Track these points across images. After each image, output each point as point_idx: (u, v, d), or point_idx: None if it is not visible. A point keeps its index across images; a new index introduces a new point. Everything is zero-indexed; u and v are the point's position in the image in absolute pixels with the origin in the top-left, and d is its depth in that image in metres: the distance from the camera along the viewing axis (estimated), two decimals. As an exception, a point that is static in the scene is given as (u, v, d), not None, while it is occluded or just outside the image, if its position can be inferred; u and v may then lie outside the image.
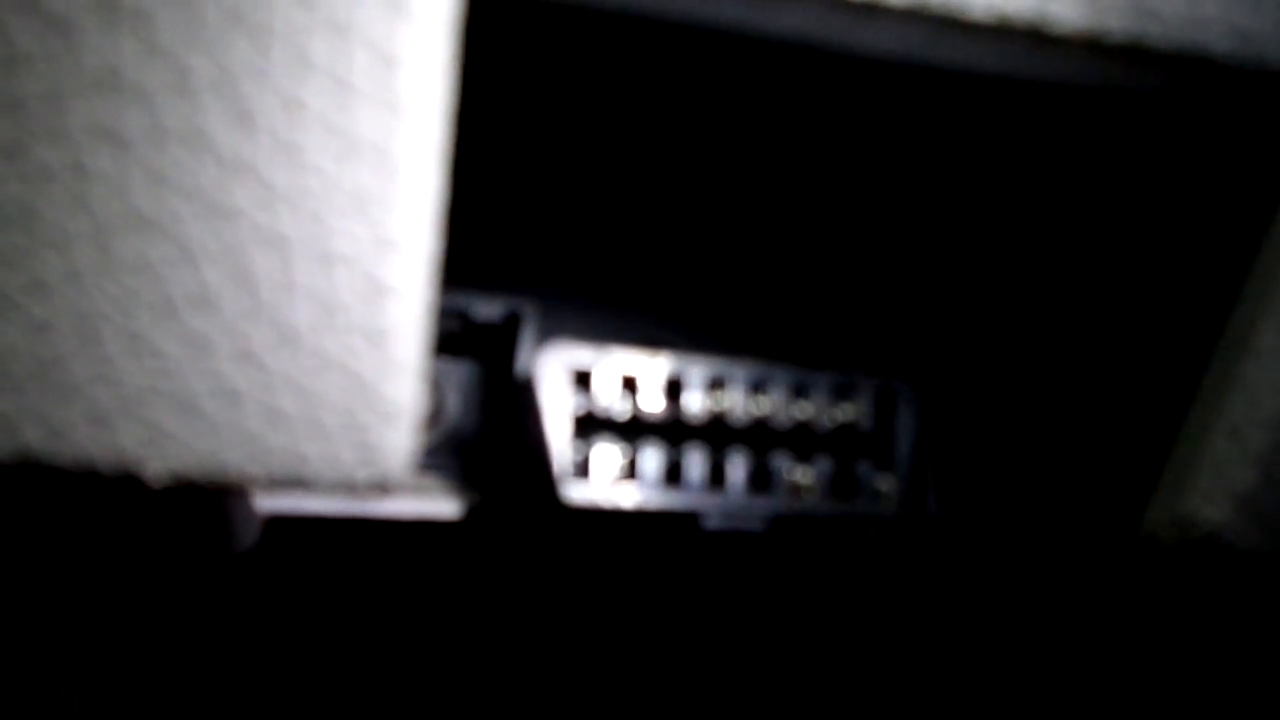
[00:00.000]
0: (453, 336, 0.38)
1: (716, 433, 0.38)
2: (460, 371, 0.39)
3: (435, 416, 0.38)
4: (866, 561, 0.50)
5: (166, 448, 0.27)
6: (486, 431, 0.39)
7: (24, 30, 0.24)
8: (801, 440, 0.39)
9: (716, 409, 0.38)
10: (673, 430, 0.38)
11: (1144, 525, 0.34)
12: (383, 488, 0.29)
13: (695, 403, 0.38)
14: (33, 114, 0.24)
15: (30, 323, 0.25)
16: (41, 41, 0.24)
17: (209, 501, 0.38)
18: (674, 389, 0.38)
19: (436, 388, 0.38)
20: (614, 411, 0.37)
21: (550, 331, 0.38)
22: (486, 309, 0.37)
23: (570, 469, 0.37)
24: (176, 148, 0.25)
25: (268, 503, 0.36)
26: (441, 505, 0.37)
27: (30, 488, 0.40)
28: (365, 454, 0.28)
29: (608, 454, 0.37)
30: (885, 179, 0.38)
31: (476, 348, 0.39)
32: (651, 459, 0.38)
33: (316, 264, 0.26)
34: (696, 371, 0.38)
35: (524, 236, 0.39)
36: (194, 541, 0.39)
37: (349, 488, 0.29)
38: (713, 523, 0.38)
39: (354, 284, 0.27)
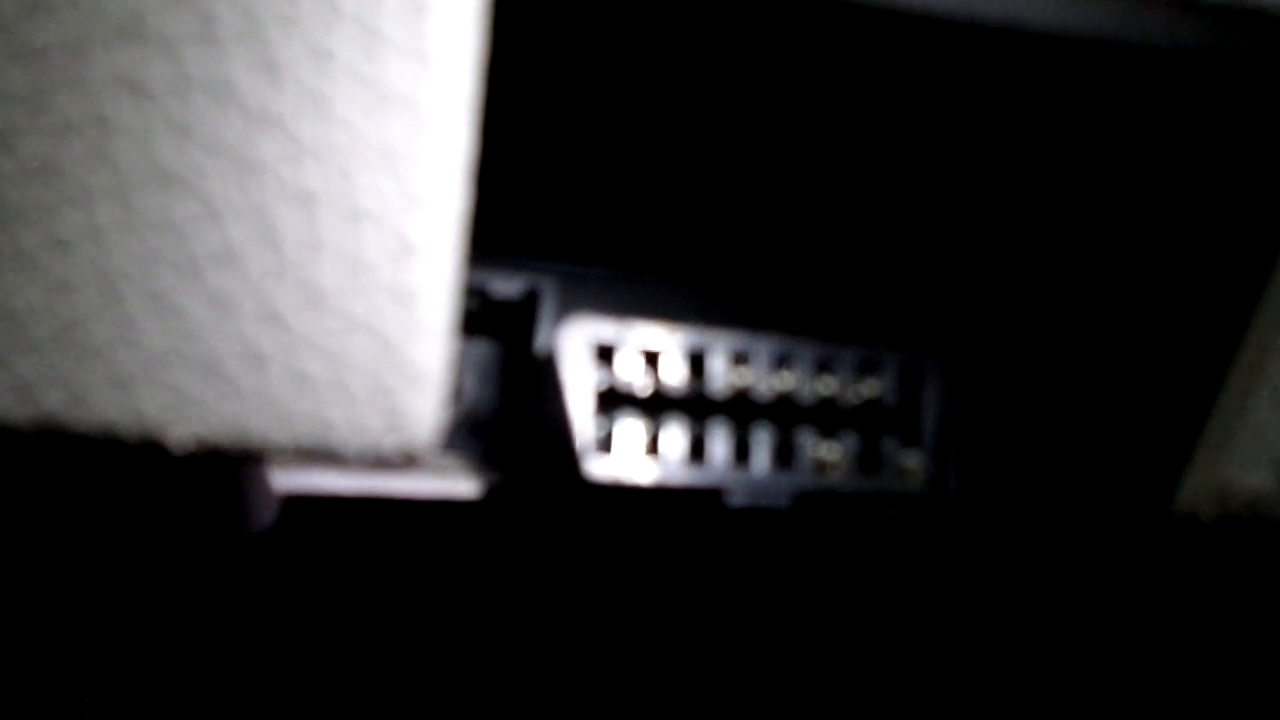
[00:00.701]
0: (471, 315, 0.37)
1: (740, 408, 0.38)
2: (478, 350, 0.38)
3: (454, 395, 0.38)
4: (893, 538, 0.49)
5: (189, 413, 0.26)
6: (506, 409, 0.38)
7: (45, -24, 0.23)
8: (826, 416, 0.38)
9: (740, 384, 0.37)
10: (696, 406, 0.37)
11: (1179, 498, 0.33)
12: (409, 457, 0.28)
13: (719, 378, 0.37)
14: (54, 64, 0.23)
15: (50, 282, 0.25)
16: (63, -12, 0.23)
17: (227, 478, 0.37)
18: (697, 364, 0.37)
19: (455, 367, 0.38)
20: (636, 387, 0.37)
21: (571, 306, 0.37)
22: (505, 286, 0.37)
23: (592, 445, 0.36)
24: (201, 99, 0.24)
25: (285, 480, 0.35)
26: (462, 484, 0.37)
27: (48, 457, 0.40)
28: (392, 420, 0.27)
29: (630, 430, 0.37)
30: (912, 146, 0.38)
31: (495, 325, 0.38)
32: (675, 435, 0.37)
33: (343, 221, 0.26)
34: (720, 346, 0.37)
35: (544, 209, 0.38)
36: (211, 520, 0.39)
37: (375, 456, 0.28)
38: (737, 499, 0.37)
39: (381, 242, 0.26)
